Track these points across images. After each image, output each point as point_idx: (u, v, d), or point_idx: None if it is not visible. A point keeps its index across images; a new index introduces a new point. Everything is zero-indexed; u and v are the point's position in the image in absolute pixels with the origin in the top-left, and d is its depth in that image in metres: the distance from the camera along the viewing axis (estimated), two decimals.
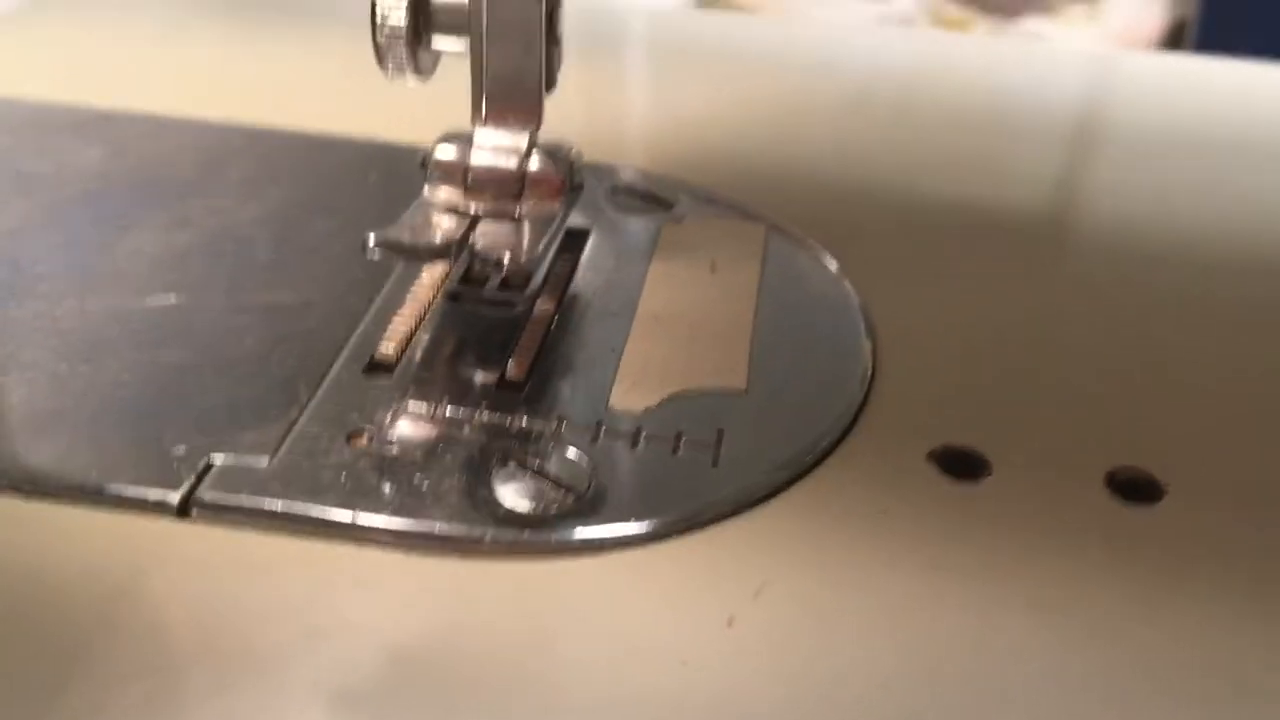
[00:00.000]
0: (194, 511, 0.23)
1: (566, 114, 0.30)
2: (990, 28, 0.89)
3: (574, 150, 0.29)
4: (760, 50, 0.46)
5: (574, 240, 0.31)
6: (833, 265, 0.31)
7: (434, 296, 0.29)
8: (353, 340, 0.27)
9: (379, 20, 0.28)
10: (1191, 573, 0.23)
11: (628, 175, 0.35)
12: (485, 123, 0.29)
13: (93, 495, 0.23)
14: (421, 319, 0.28)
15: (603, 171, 0.35)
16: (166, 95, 0.38)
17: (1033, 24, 0.90)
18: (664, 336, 0.28)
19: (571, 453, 0.25)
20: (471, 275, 0.29)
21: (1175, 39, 0.88)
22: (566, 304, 0.29)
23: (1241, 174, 0.38)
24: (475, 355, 0.27)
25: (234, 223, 0.32)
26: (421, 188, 0.29)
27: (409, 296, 0.29)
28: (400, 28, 0.28)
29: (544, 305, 0.29)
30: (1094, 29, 0.89)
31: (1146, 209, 0.35)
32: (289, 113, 0.37)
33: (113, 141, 0.35)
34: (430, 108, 0.30)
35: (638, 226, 0.32)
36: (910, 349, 0.29)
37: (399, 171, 0.35)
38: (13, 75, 0.39)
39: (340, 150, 0.36)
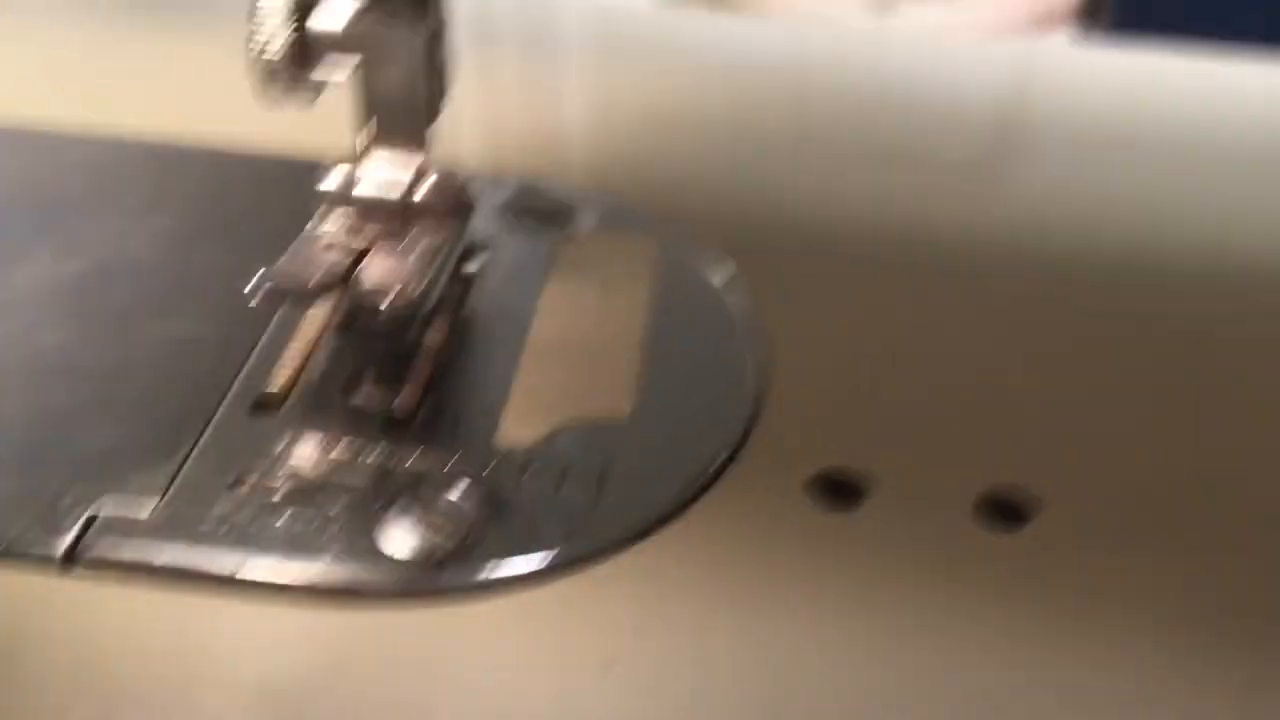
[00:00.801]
0: (77, 565, 0.23)
1: (473, 118, 0.30)
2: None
3: (461, 178, 0.29)
4: (673, 48, 0.46)
5: (468, 261, 0.32)
6: (727, 279, 0.32)
7: (324, 329, 0.29)
8: (241, 377, 0.28)
9: (255, 52, 0.27)
10: (1058, 595, 0.24)
11: (526, 188, 0.35)
12: (370, 153, 0.29)
13: None
14: (310, 353, 0.28)
15: (501, 184, 0.35)
16: (57, 106, 0.37)
17: None
18: (554, 363, 0.29)
19: (456, 493, 0.25)
20: (360, 306, 0.29)
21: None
22: (458, 332, 0.29)
23: (1136, 178, 0.39)
24: (364, 390, 0.27)
25: (127, 248, 0.32)
26: (317, 203, 0.29)
27: (299, 330, 0.29)
28: (278, 61, 0.27)
29: (435, 334, 0.29)
30: None
31: (1042, 215, 0.36)
32: (189, 120, 0.37)
33: None
34: (336, 111, 0.30)
35: (533, 245, 0.33)
36: (799, 368, 0.29)
37: (295, 186, 0.34)
38: None
39: (240, 165, 0.35)
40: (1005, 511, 0.26)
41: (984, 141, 0.41)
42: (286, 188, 0.34)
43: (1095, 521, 0.26)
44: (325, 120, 0.29)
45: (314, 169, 0.35)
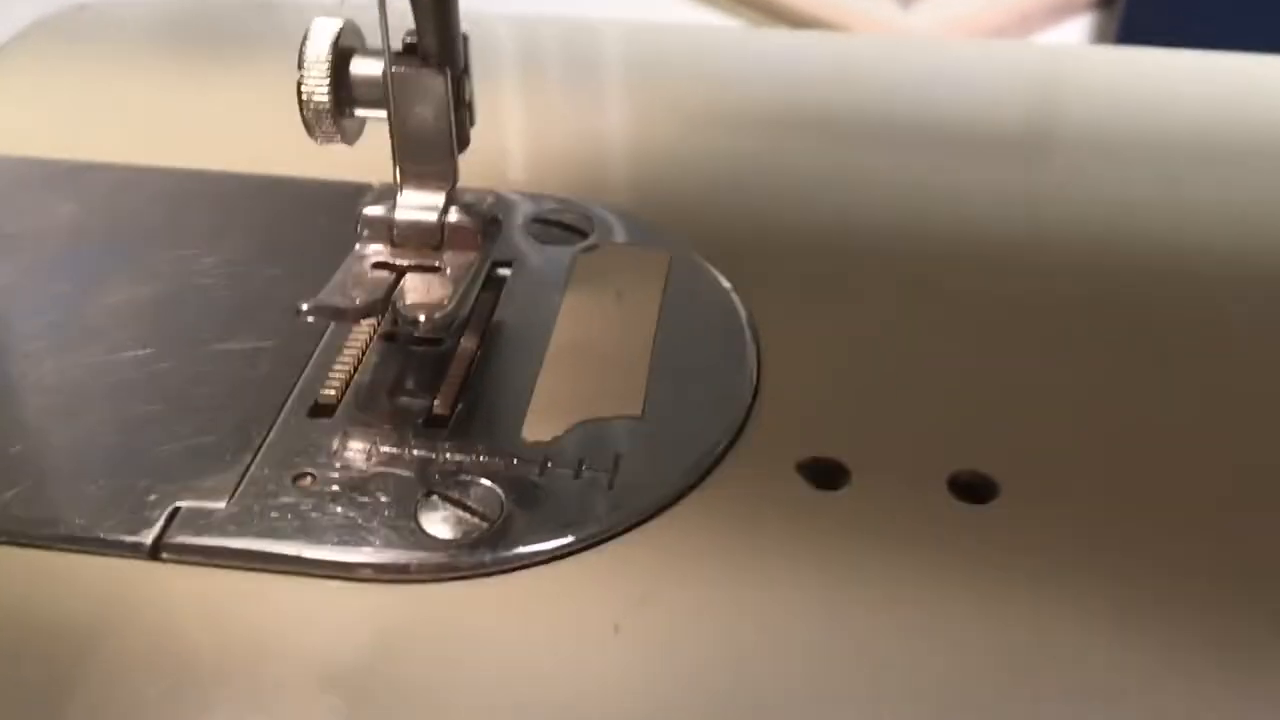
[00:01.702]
0: (163, 553, 0.27)
1: (492, 139, 0.33)
2: None
3: (490, 201, 0.33)
4: (678, 64, 0.49)
5: (496, 274, 0.35)
6: (728, 286, 0.35)
7: (369, 340, 0.33)
8: (299, 385, 0.31)
9: (304, 97, 0.31)
10: (1021, 561, 0.28)
11: (546, 205, 0.38)
12: (405, 183, 0.32)
13: (75, 541, 0.28)
14: (359, 362, 0.32)
15: (523, 201, 0.38)
16: (129, 144, 0.41)
17: None
18: (572, 368, 0.32)
19: (487, 482, 0.29)
20: (402, 321, 0.32)
21: None
22: (488, 340, 0.33)
23: (1103, 174, 0.41)
24: (406, 394, 0.31)
25: (195, 271, 0.35)
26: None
27: (347, 342, 0.32)
28: (325, 104, 0.31)
29: (468, 342, 0.33)
30: None
31: (1022, 214, 0.39)
32: (244, 155, 0.40)
33: (82, 195, 0.38)
34: (374, 143, 0.34)
35: (553, 257, 0.36)
36: (792, 366, 0.33)
37: (345, 211, 0.38)
38: None
39: (290, 191, 0.39)
40: (972, 490, 0.29)
41: (973, 147, 0.44)
42: (333, 212, 0.38)
43: (1050, 497, 0.29)
44: (363, 151, 0.33)
45: (356, 194, 0.39)
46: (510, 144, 0.37)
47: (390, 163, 0.32)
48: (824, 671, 0.25)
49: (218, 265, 0.36)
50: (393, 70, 0.31)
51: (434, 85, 0.31)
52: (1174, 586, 0.27)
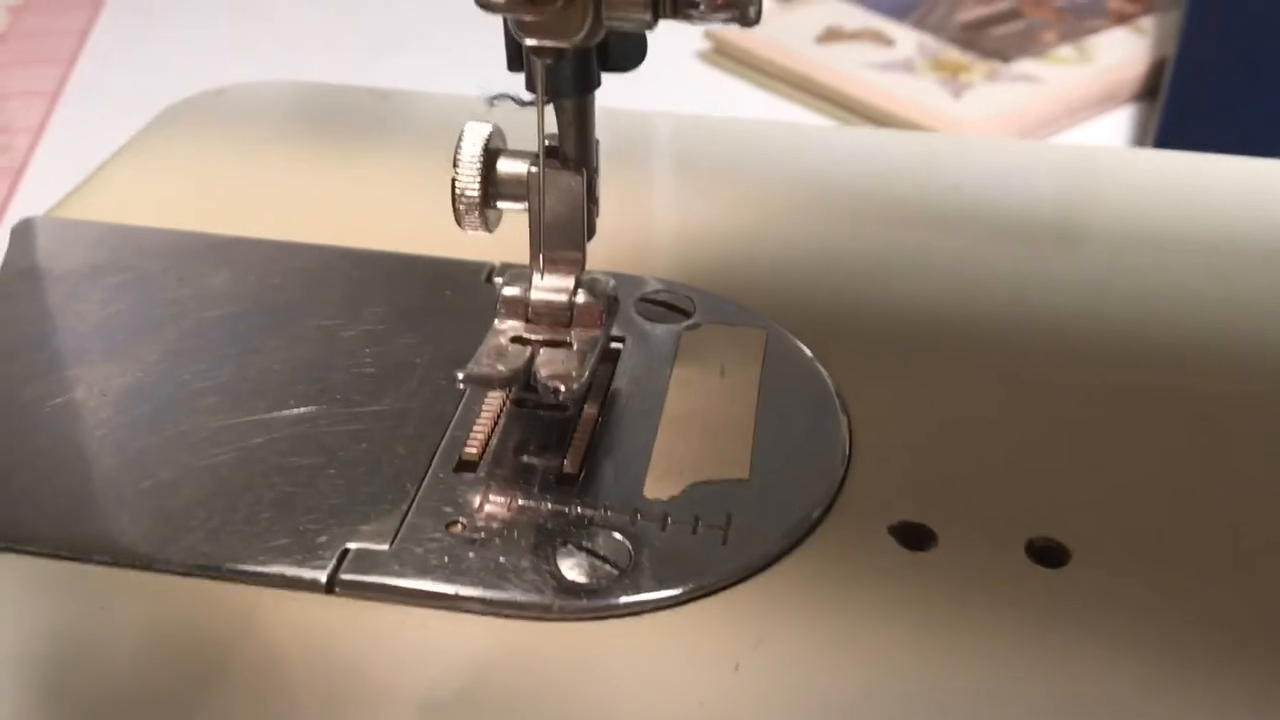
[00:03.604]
0: (336, 589, 0.31)
1: (615, 229, 0.38)
2: (987, 71, 0.96)
3: (611, 284, 0.37)
4: (762, 153, 0.53)
5: (610, 349, 0.39)
6: (816, 361, 0.39)
7: (504, 404, 0.37)
8: (443, 443, 0.35)
9: (458, 192, 0.35)
10: (1097, 622, 0.31)
11: (650, 286, 0.42)
12: (542, 267, 0.36)
13: (256, 577, 0.31)
14: (496, 423, 0.36)
15: (630, 282, 0.42)
16: (273, 219, 0.46)
17: (1025, 66, 0.97)
18: (684, 434, 0.36)
19: (615, 534, 0.33)
20: (542, 390, 0.36)
21: (1156, 77, 0.94)
22: (608, 407, 0.37)
23: (1189, 268, 0.45)
24: (538, 454, 0.35)
25: (341, 339, 0.40)
26: (483, 298, 0.36)
27: (483, 406, 0.36)
28: (475, 199, 0.35)
29: (590, 409, 0.37)
30: (1084, 68, 0.96)
31: (1085, 304, 0.43)
32: (376, 232, 0.45)
33: (236, 266, 0.43)
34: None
35: (661, 334, 0.40)
36: (878, 435, 0.36)
37: (467, 285, 0.43)
38: (143, 203, 0.47)
39: (419, 268, 0.43)
40: (1048, 555, 0.32)
41: (1029, 234, 0.48)
42: (456, 287, 0.43)
43: (1119, 564, 0.32)
44: (473, 235, 0.37)
45: (479, 269, 0.43)
46: (615, 231, 0.41)
47: (491, 241, 0.37)
48: (917, 710, 0.29)
49: (359, 334, 0.40)
50: (537, 170, 0.35)
51: (573, 184, 0.35)
52: (1235, 647, 0.30)
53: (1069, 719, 0.29)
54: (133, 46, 1.05)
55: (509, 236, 0.37)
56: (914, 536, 0.33)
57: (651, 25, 0.32)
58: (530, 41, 0.32)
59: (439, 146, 0.40)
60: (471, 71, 0.36)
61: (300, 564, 0.32)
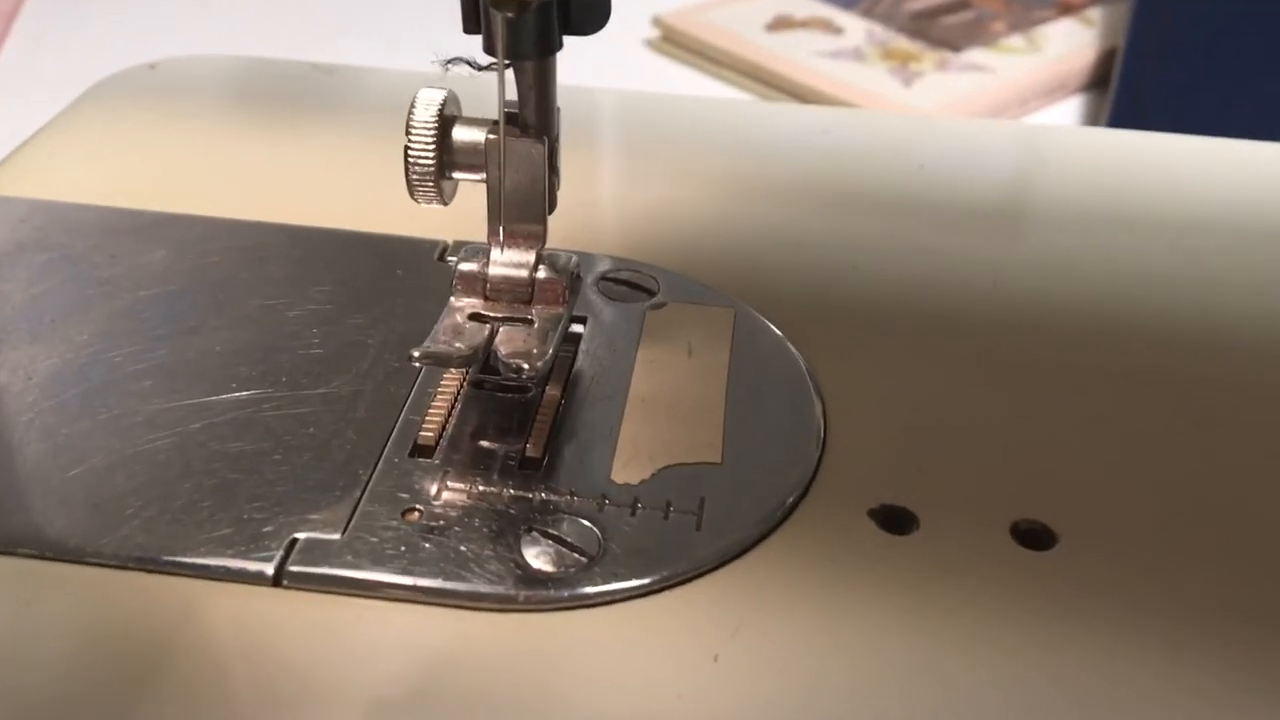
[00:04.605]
0: (285, 581, 0.29)
1: (576, 205, 0.36)
2: (937, 60, 0.95)
3: (574, 260, 0.35)
4: (722, 131, 0.52)
5: (572, 331, 0.37)
6: (790, 344, 0.38)
7: (461, 386, 0.35)
8: (397, 427, 0.33)
9: (411, 160, 0.33)
10: (1082, 605, 0.30)
11: (611, 264, 0.40)
12: (500, 241, 0.34)
13: (196, 569, 0.29)
14: (453, 406, 0.34)
15: (590, 260, 0.40)
16: (212, 196, 0.43)
17: (975, 55, 0.96)
18: (652, 417, 0.34)
19: (583, 521, 0.31)
20: (498, 369, 0.34)
21: (1106, 66, 0.95)
22: (571, 389, 0.35)
23: (1159, 248, 0.44)
24: (499, 437, 0.33)
25: (285, 319, 0.37)
26: (436, 278, 0.34)
27: (440, 387, 0.34)
28: (430, 167, 0.33)
29: (552, 391, 0.35)
30: (1033, 57, 0.96)
31: (1061, 284, 0.42)
32: (322, 210, 0.43)
33: (171, 244, 0.40)
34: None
35: (624, 314, 0.38)
36: (854, 417, 0.35)
37: (419, 264, 0.40)
38: (71, 179, 0.44)
39: (368, 245, 0.41)
40: (1033, 537, 0.31)
41: (1000, 214, 0.47)
42: (406, 265, 0.41)
43: (1105, 546, 0.31)
44: (421, 210, 0.35)
45: (427, 249, 0.41)
46: (571, 208, 0.40)
47: (443, 219, 0.35)
48: (904, 694, 0.27)
49: (305, 314, 0.38)
50: (495, 137, 0.33)
51: (533, 153, 0.33)
52: (1228, 630, 0.29)
53: (1058, 702, 0.27)
54: (64, 29, 1.01)
55: (462, 212, 0.36)
56: (895, 520, 0.32)
57: None
58: None
59: (386, 122, 0.38)
60: (420, 57, 0.34)
61: (244, 555, 0.29)
